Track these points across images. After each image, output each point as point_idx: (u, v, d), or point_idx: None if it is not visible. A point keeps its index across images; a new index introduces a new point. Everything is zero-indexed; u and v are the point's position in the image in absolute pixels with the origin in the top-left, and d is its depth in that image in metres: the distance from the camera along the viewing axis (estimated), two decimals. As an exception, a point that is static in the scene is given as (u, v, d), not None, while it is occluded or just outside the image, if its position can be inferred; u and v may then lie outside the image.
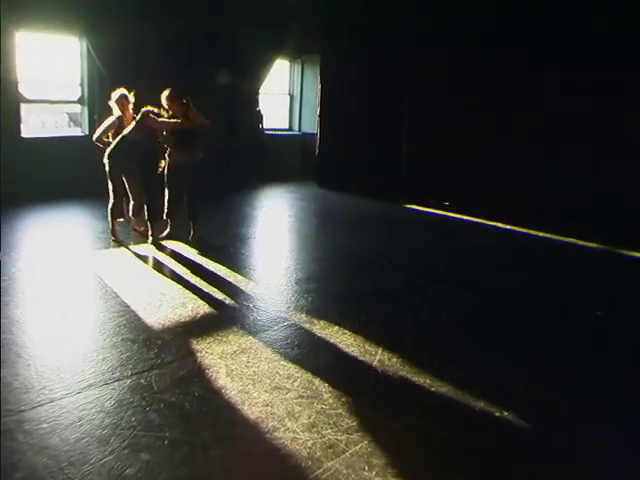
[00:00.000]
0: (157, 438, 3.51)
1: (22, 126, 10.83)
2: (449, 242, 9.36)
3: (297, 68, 16.29)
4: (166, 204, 8.14)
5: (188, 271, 6.89)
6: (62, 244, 7.85)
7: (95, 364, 4.40)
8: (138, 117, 7.62)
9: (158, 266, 7.07)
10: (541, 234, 9.85)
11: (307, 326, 5.42)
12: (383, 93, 12.58)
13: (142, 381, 4.18)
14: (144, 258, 7.35)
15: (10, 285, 6.10)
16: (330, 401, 4.04)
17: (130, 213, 8.21)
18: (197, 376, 4.32)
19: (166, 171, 8.02)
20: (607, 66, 9.55)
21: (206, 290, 6.24)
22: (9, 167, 9.83)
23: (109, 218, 7.95)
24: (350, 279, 7.07)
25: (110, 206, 7.91)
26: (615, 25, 9.51)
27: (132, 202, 8.13)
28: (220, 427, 3.70)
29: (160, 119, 7.73)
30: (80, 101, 11.58)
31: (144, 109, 7.64)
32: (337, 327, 5.43)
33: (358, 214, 11.27)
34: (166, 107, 7.79)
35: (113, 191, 7.88)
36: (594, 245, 9.26)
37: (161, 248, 7.81)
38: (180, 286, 6.33)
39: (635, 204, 9.51)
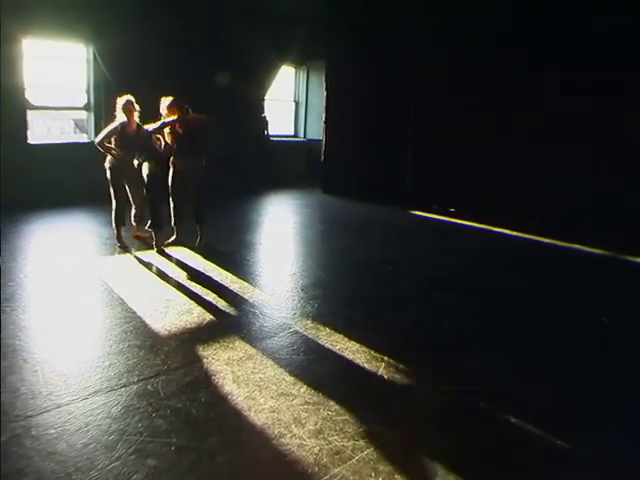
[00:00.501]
0: (164, 444, 3.51)
1: (28, 132, 10.86)
2: (454, 248, 9.35)
3: (302, 74, 16.33)
4: (172, 211, 8.16)
5: (194, 277, 6.90)
6: (68, 250, 7.86)
7: (102, 370, 4.41)
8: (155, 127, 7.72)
9: (164, 272, 7.07)
10: (546, 240, 9.84)
11: (313, 332, 5.41)
12: (388, 99, 12.61)
13: (149, 387, 4.18)
14: (150, 264, 7.35)
15: (17, 291, 6.12)
16: (336, 407, 4.04)
17: (132, 220, 8.23)
18: (203, 382, 4.32)
19: (170, 178, 8.04)
20: (607, 66, 9.56)
21: (212, 296, 6.24)
22: (16, 173, 9.88)
23: (113, 224, 7.96)
24: (356, 285, 7.07)
25: (114, 212, 7.94)
26: (615, 25, 9.52)
27: (134, 209, 8.15)
28: (226, 433, 3.70)
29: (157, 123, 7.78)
30: (86, 107, 11.62)
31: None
32: (343, 333, 5.43)
33: (363, 220, 11.27)
34: (167, 113, 7.82)
35: (115, 197, 7.90)
36: (598, 251, 9.24)
37: (167, 254, 7.82)
38: (186, 292, 6.34)
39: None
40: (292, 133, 16.68)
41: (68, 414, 3.76)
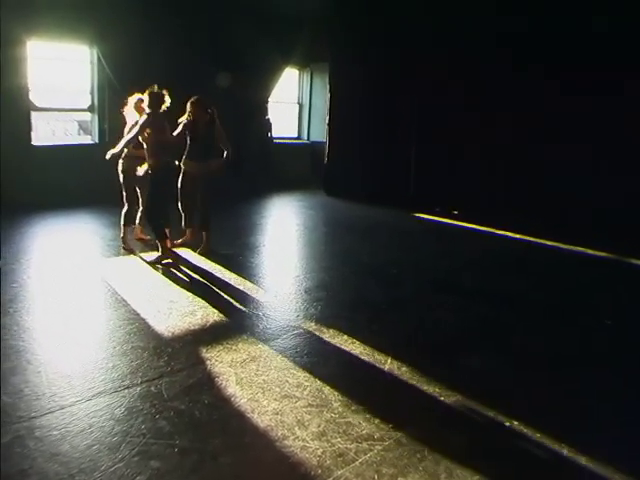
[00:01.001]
0: (167, 446, 3.51)
1: (32, 134, 10.88)
2: (456, 250, 9.35)
3: (306, 77, 16.34)
4: (182, 213, 8.19)
5: (197, 279, 6.91)
6: (71, 251, 7.87)
7: (105, 371, 4.41)
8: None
9: (167, 274, 7.07)
10: (548, 242, 9.83)
11: (316, 334, 5.42)
12: (391, 102, 12.60)
13: (152, 389, 4.18)
14: (153, 266, 7.35)
15: (20, 292, 6.13)
16: (340, 410, 4.04)
17: (137, 221, 8.22)
18: (207, 384, 4.33)
19: (180, 181, 8.06)
20: (607, 66, 9.54)
21: (215, 298, 6.25)
22: (19, 174, 9.91)
23: (122, 224, 7.95)
24: (359, 287, 7.07)
25: (124, 212, 7.93)
26: (615, 25, 9.51)
27: (140, 212, 8.14)
28: (230, 435, 3.70)
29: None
30: (90, 109, 11.64)
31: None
32: (346, 335, 5.43)
33: (366, 223, 11.27)
34: (189, 111, 7.83)
35: (127, 200, 7.89)
36: (600, 253, 9.23)
37: (171, 256, 7.81)
38: (189, 294, 6.34)
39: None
40: (295, 135, 16.68)
41: (72, 415, 3.77)
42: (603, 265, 8.86)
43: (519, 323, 6.15)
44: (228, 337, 5.25)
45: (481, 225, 10.91)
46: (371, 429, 3.82)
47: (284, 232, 10.46)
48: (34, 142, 10.87)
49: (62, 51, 11.42)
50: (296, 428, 3.77)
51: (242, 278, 7.05)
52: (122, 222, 7.95)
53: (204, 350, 4.92)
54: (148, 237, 8.26)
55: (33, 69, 10.51)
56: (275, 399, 4.13)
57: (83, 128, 16.27)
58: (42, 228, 9.20)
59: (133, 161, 7.58)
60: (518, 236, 10.26)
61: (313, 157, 15.57)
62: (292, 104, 16.58)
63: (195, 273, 7.14)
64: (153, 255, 7.63)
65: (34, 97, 10.69)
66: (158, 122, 7.37)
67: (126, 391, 4.13)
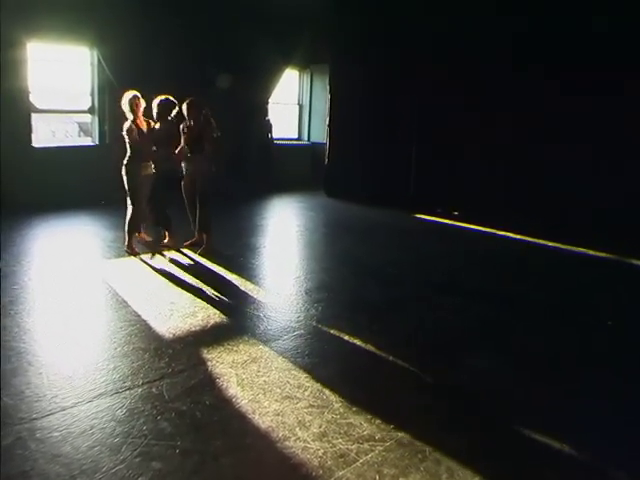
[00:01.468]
0: (168, 447, 3.51)
1: (33, 135, 10.89)
2: (456, 251, 9.35)
3: (306, 78, 16.34)
4: (190, 216, 8.22)
5: (198, 280, 6.91)
6: (72, 253, 7.87)
7: (106, 373, 4.42)
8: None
9: (168, 275, 7.07)
10: (549, 243, 9.83)
11: (317, 335, 5.42)
12: (392, 103, 12.60)
13: (153, 390, 4.19)
14: (154, 267, 7.36)
15: (21, 294, 6.14)
16: (341, 410, 4.04)
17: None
18: (208, 385, 4.33)
19: (183, 182, 8.09)
20: (607, 66, 9.52)
21: (216, 299, 6.26)
22: (20, 176, 9.92)
23: (126, 230, 7.90)
24: (359, 288, 7.07)
25: (128, 220, 7.87)
26: (615, 25, 9.51)
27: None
28: (231, 436, 3.70)
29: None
30: (90, 111, 11.65)
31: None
32: (347, 336, 5.43)
33: (367, 224, 11.27)
34: (185, 113, 7.85)
35: (132, 204, 7.83)
36: (601, 253, 9.23)
37: (171, 257, 7.83)
38: (190, 295, 6.34)
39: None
40: (296, 136, 16.69)
41: (73, 417, 3.77)
42: (603, 265, 8.86)
43: (519, 323, 6.15)
44: (229, 338, 5.26)
45: (481, 226, 10.92)
46: (372, 430, 3.82)
47: (285, 233, 10.47)
48: (34, 144, 10.88)
49: (62, 53, 11.45)
50: (297, 429, 3.77)
51: (243, 279, 7.05)
52: (127, 229, 7.87)
53: (205, 351, 4.92)
54: (150, 239, 8.25)
55: (33, 71, 10.53)
56: (276, 400, 4.14)
57: (83, 130, 16.30)
58: (43, 230, 9.21)
59: (138, 165, 7.60)
60: (518, 236, 10.26)
61: (313, 158, 15.57)
62: (292, 105, 16.59)
63: (196, 274, 7.14)
64: (156, 258, 7.67)
65: (34, 99, 10.70)
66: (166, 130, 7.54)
67: (127, 392, 4.13)
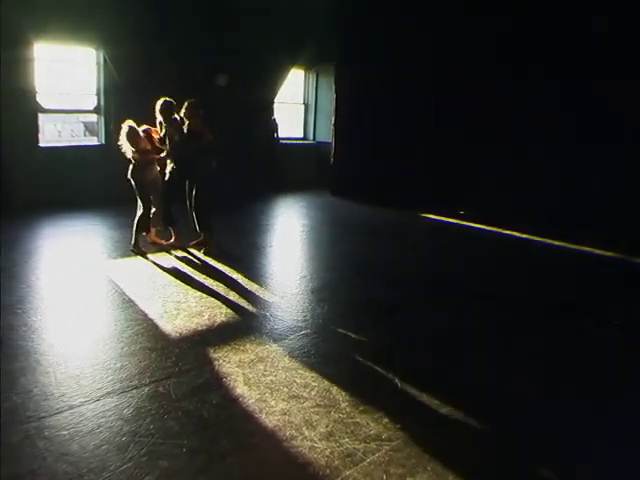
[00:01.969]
0: (175, 446, 3.52)
1: (39, 135, 10.91)
2: (463, 251, 9.34)
3: (312, 77, 16.33)
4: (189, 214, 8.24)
5: (205, 280, 6.92)
6: (79, 252, 7.88)
7: (113, 372, 4.43)
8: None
9: (175, 274, 7.08)
10: (557, 243, 9.81)
11: (324, 335, 5.42)
12: (398, 102, 12.59)
13: (160, 389, 4.20)
14: (161, 267, 7.37)
15: (29, 293, 6.16)
16: (347, 410, 4.05)
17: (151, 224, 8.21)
18: (215, 384, 4.34)
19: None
20: (618, 68, 9.51)
21: (223, 299, 6.26)
22: (26, 175, 9.96)
23: (134, 230, 7.92)
24: (365, 288, 7.07)
25: (137, 220, 7.89)
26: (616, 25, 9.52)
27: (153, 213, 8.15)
28: (238, 435, 3.71)
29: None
30: (96, 110, 11.66)
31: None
32: (353, 336, 5.44)
33: (373, 223, 11.27)
34: (185, 115, 7.85)
35: (143, 205, 7.87)
36: (609, 253, 9.21)
37: (177, 257, 7.84)
38: (197, 295, 6.35)
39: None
40: (301, 136, 16.69)
41: (80, 415, 3.78)
42: (610, 265, 8.83)
43: (525, 324, 6.14)
44: (236, 338, 5.27)
45: (488, 225, 10.90)
46: (379, 429, 3.82)
47: (290, 233, 10.47)
48: (41, 143, 10.90)
49: (69, 53, 11.49)
50: (304, 428, 3.78)
51: (249, 279, 7.05)
52: (134, 229, 7.90)
53: (212, 351, 4.93)
54: (163, 241, 8.24)
55: (40, 71, 10.55)
56: (283, 399, 4.14)
57: (89, 129, 16.36)
58: (49, 229, 9.23)
59: (144, 167, 7.62)
60: (524, 236, 10.24)
61: (319, 157, 15.57)
62: (298, 105, 16.59)
63: (202, 274, 7.15)
64: (160, 256, 7.69)
65: (41, 99, 10.72)
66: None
67: (134, 391, 4.14)
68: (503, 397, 4.45)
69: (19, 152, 9.99)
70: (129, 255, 7.78)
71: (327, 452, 3.53)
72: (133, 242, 7.89)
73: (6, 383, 4.15)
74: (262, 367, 4.67)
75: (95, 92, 11.53)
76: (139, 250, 7.85)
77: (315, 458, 3.47)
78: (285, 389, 4.31)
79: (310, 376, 4.55)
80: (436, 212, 11.95)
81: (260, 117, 14.00)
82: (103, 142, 11.62)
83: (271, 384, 4.37)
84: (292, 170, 14.69)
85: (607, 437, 3.98)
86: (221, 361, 4.73)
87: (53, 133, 17.14)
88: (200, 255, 7.91)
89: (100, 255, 7.83)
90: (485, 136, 11.25)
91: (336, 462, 3.44)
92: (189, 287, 6.62)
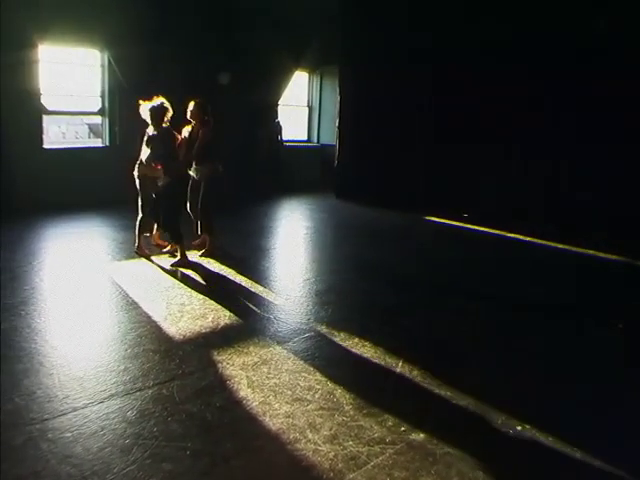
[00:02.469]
0: (179, 448, 3.52)
1: (44, 137, 10.93)
2: (467, 254, 9.33)
3: (316, 80, 16.35)
4: (193, 218, 8.22)
5: (208, 282, 6.92)
6: (83, 254, 7.88)
7: (117, 374, 4.43)
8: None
9: (178, 277, 7.08)
10: (560, 246, 9.80)
11: (327, 337, 5.42)
12: (402, 105, 12.59)
13: (164, 391, 4.19)
14: (164, 269, 7.37)
15: (32, 294, 6.16)
16: (351, 413, 4.04)
17: (155, 226, 8.20)
18: (218, 387, 4.33)
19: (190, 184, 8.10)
20: (622, 69, 9.49)
21: (226, 301, 6.25)
22: (31, 177, 9.98)
23: (137, 232, 7.90)
24: (369, 290, 7.06)
25: (139, 220, 7.87)
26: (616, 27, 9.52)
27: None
28: (241, 438, 3.71)
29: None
30: (101, 112, 11.68)
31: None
32: (357, 339, 5.43)
33: (376, 226, 11.27)
34: (190, 116, 7.84)
35: (142, 206, 7.85)
36: (613, 257, 9.19)
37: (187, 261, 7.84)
38: (200, 297, 6.35)
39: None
40: (305, 138, 16.70)
41: (84, 418, 3.78)
42: (614, 268, 8.81)
43: (530, 326, 6.14)
44: (239, 340, 5.26)
45: (491, 228, 10.89)
46: (383, 432, 3.81)
47: (294, 235, 10.47)
48: (45, 145, 10.91)
49: (73, 55, 11.50)
50: (308, 431, 3.77)
51: (253, 281, 7.05)
52: (137, 230, 7.89)
53: (215, 353, 4.93)
54: (166, 243, 8.23)
55: (45, 73, 10.57)
56: (286, 402, 4.13)
57: (94, 131, 16.38)
58: (53, 231, 9.24)
59: (150, 168, 7.60)
60: (528, 239, 10.23)
61: (323, 160, 15.57)
62: (302, 107, 16.60)
63: (206, 276, 7.16)
64: (166, 260, 7.68)
65: (45, 100, 10.74)
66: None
67: (138, 394, 4.14)
68: (504, 398, 4.43)
69: (23, 153, 10.01)
70: (133, 257, 7.78)
71: (331, 455, 3.52)
72: (136, 244, 7.89)
73: (9, 385, 4.15)
74: (266, 370, 4.67)
75: (99, 94, 11.56)
76: (142, 252, 7.84)
77: (319, 461, 3.47)
78: (289, 392, 4.31)
79: (314, 379, 4.54)
80: (440, 215, 11.93)
81: (264, 119, 14.01)
82: (107, 144, 11.65)
83: (275, 387, 4.36)
84: (296, 172, 14.70)
85: (608, 437, 3.97)
86: (225, 364, 4.73)
87: (57, 135, 17.15)
88: (205, 258, 7.89)
89: (104, 257, 7.82)
90: (487, 138, 11.23)
91: (340, 465, 3.43)
92: (193, 289, 6.62)
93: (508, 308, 6.66)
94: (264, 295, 6.60)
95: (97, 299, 6.23)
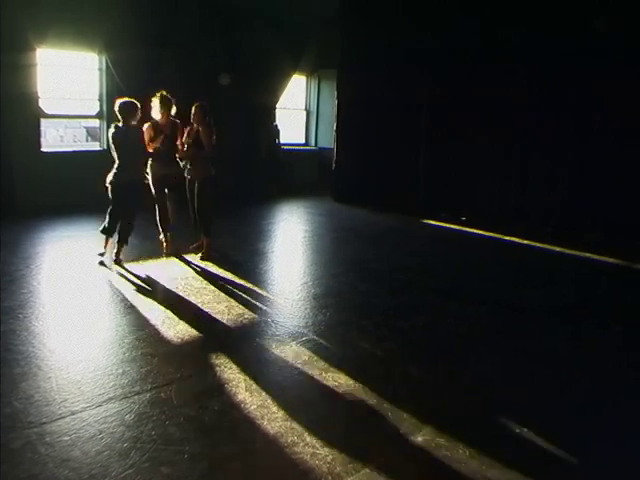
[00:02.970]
0: (177, 452, 3.51)
1: (42, 140, 10.93)
2: (465, 257, 9.33)
3: (314, 83, 16.37)
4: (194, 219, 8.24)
5: (207, 285, 6.91)
6: (81, 257, 7.86)
7: (115, 377, 4.42)
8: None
9: (176, 280, 7.08)
10: (558, 249, 9.80)
11: (325, 341, 5.41)
12: (400, 108, 12.60)
13: (162, 395, 4.19)
14: (163, 272, 7.37)
15: (30, 298, 6.15)
16: (350, 416, 4.04)
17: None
18: (216, 390, 4.33)
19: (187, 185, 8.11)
20: (623, 77, 9.52)
21: (225, 304, 6.24)
22: (29, 180, 9.97)
23: (160, 230, 8.12)
24: (367, 294, 7.06)
25: (159, 219, 8.08)
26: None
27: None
28: (240, 441, 3.70)
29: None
30: (98, 116, 11.69)
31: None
32: (355, 342, 5.44)
33: (374, 229, 11.27)
34: (193, 119, 7.86)
35: (159, 204, 8.05)
36: (610, 260, 9.19)
37: (179, 262, 7.84)
38: (198, 300, 6.34)
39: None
40: (303, 142, 16.71)
41: (82, 421, 3.77)
42: (613, 272, 8.81)
43: (527, 330, 6.13)
44: (237, 343, 5.27)
45: (489, 232, 10.89)
46: (382, 435, 3.83)
47: (292, 238, 10.47)
48: (43, 148, 10.92)
49: (71, 58, 11.50)
50: (306, 434, 3.76)
51: (251, 284, 7.05)
52: (160, 228, 8.09)
53: (213, 356, 4.92)
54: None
55: (43, 76, 10.58)
56: (285, 405, 4.12)
57: (91, 135, 16.37)
58: (51, 234, 9.23)
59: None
60: (526, 242, 10.24)
61: (321, 163, 15.59)
62: (300, 110, 16.62)
63: (204, 279, 7.15)
64: (162, 261, 7.69)
65: (43, 104, 10.74)
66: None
67: (136, 397, 4.13)
68: (503, 400, 4.44)
69: (21, 157, 10.01)
70: (130, 260, 7.76)
71: (329, 459, 3.52)
72: (164, 240, 8.11)
73: (7, 388, 4.14)
74: (264, 373, 4.67)
75: (97, 97, 11.57)
76: (169, 250, 8.02)
77: (317, 465, 3.46)
78: (287, 395, 4.31)
79: (312, 382, 4.54)
80: (438, 218, 11.94)
81: (262, 123, 14.02)
82: (105, 147, 11.62)
83: (273, 390, 4.36)
84: (294, 176, 14.71)
85: (607, 437, 3.98)
86: (222, 367, 4.72)
87: (55, 138, 17.14)
88: (203, 261, 7.88)
89: (101, 260, 7.80)
90: (489, 143, 11.26)
91: (338, 469, 3.43)
92: (191, 293, 6.61)
93: (507, 310, 6.66)
94: (262, 298, 6.60)
95: (95, 302, 6.22)
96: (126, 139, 7.41)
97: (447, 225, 11.64)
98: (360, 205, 13.04)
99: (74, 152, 12.23)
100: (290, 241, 10.24)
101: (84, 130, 17.88)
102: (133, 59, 10.85)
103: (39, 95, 10.52)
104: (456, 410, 4.28)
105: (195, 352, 5.01)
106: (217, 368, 4.70)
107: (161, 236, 8.15)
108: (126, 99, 7.53)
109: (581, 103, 10.11)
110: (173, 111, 7.87)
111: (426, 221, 11.96)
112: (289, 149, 15.40)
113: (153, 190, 7.94)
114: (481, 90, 11.21)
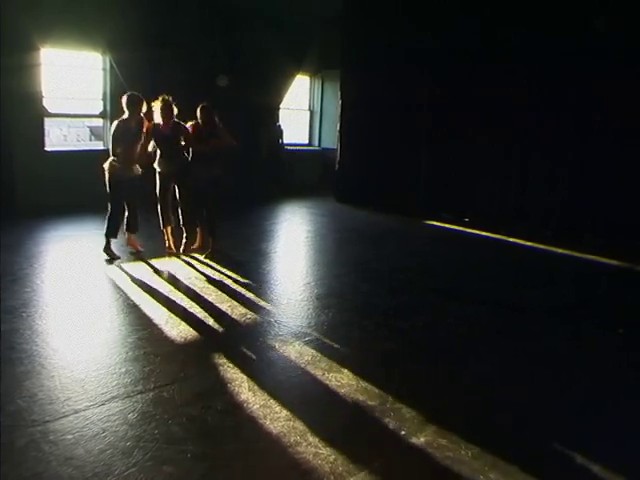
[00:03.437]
0: (180, 451, 3.52)
1: (45, 139, 10.95)
2: (467, 258, 9.32)
3: (317, 83, 16.38)
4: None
5: (209, 285, 6.93)
6: (84, 256, 7.90)
7: (118, 376, 4.43)
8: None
9: (179, 280, 7.09)
10: (560, 251, 9.80)
11: (328, 341, 5.42)
12: (403, 109, 12.60)
13: (165, 394, 4.20)
14: (166, 272, 7.39)
15: (33, 297, 6.17)
16: (352, 416, 4.05)
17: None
18: (219, 390, 4.34)
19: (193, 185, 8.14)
20: (626, 77, 9.51)
21: (227, 304, 6.26)
22: (32, 179, 9.99)
23: (162, 227, 8.21)
24: (369, 294, 7.06)
25: (161, 214, 8.14)
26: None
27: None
28: (242, 441, 3.71)
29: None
30: (102, 115, 11.71)
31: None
32: (357, 342, 5.46)
33: (377, 230, 11.27)
34: (199, 119, 7.89)
35: (162, 200, 8.12)
36: (613, 262, 9.19)
37: (182, 262, 7.85)
38: (201, 300, 6.35)
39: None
40: (307, 142, 16.73)
41: (85, 420, 3.79)
42: (615, 274, 8.80)
43: (527, 330, 6.13)
44: (240, 343, 5.28)
45: (491, 233, 10.89)
46: (384, 435, 3.83)
47: (295, 239, 10.48)
48: (47, 147, 10.94)
49: (75, 58, 11.53)
50: (308, 434, 3.77)
51: (254, 284, 7.07)
52: (162, 225, 8.18)
53: (216, 356, 4.93)
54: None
55: (47, 75, 10.61)
56: (287, 405, 4.13)
57: (95, 134, 16.41)
58: (54, 233, 9.25)
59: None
60: (528, 243, 10.23)
61: (324, 164, 15.59)
62: (303, 111, 16.63)
63: (207, 279, 7.16)
64: (165, 261, 7.70)
65: (47, 103, 10.77)
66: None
67: (139, 396, 4.15)
68: (504, 400, 4.45)
69: (25, 156, 10.03)
70: (134, 260, 7.79)
71: (331, 458, 3.53)
72: (166, 239, 8.24)
73: (11, 387, 4.16)
74: (266, 373, 4.68)
75: (101, 97, 11.60)
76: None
77: (319, 464, 3.47)
78: (289, 395, 4.32)
79: (314, 382, 4.55)
80: (440, 219, 11.95)
81: (265, 123, 14.03)
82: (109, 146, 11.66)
83: (275, 390, 4.37)
84: (297, 176, 14.72)
85: (607, 437, 3.98)
86: (225, 366, 4.73)
87: (59, 137, 17.18)
88: (205, 260, 7.90)
89: (105, 259, 7.82)
90: (491, 144, 11.26)
91: (340, 468, 3.44)
92: (194, 292, 6.62)
93: (507, 310, 6.66)
94: (265, 298, 6.61)
95: (98, 301, 6.24)
96: (128, 132, 7.51)
97: (449, 226, 11.63)
98: (363, 206, 13.04)
99: (78, 151, 12.26)
100: (292, 241, 10.25)
101: (87, 129, 17.92)
102: (136, 59, 10.88)
103: (43, 94, 10.55)
104: (456, 410, 4.28)
105: (198, 352, 5.03)
106: (220, 368, 4.71)
107: (167, 234, 8.23)
108: (132, 92, 7.67)
109: (581, 103, 10.10)
110: (174, 112, 7.88)
111: (428, 222, 11.95)
112: (292, 149, 15.41)
113: (158, 188, 7.99)
114: (481, 90, 11.20)
